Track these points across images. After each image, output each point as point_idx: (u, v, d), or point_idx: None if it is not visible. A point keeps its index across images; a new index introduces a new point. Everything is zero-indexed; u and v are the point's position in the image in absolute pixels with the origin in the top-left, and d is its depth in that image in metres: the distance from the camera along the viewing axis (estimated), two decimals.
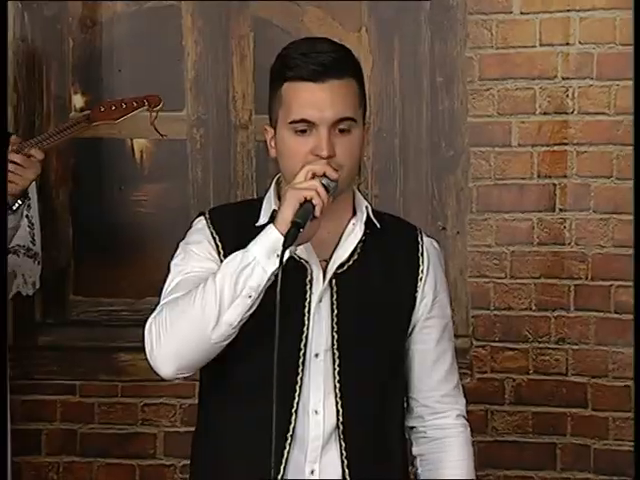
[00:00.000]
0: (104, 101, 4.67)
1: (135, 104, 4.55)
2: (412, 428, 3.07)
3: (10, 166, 4.27)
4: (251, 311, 2.74)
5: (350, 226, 2.95)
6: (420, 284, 3.00)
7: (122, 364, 5.02)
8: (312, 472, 2.87)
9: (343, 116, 2.83)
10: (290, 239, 2.68)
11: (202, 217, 3.00)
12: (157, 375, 2.86)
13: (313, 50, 2.88)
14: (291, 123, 2.83)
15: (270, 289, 2.71)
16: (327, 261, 2.91)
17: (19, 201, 4.33)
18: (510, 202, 4.90)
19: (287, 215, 2.70)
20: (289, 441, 2.85)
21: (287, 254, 2.68)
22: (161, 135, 4.63)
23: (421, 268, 3.00)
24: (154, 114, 4.63)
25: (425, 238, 3.05)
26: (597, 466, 4.81)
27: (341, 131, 2.83)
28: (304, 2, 5.04)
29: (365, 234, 2.95)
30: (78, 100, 5.13)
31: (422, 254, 3.02)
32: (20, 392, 4.93)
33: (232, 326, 2.74)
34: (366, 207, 2.98)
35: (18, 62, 5.13)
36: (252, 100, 5.04)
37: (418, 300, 2.99)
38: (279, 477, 2.83)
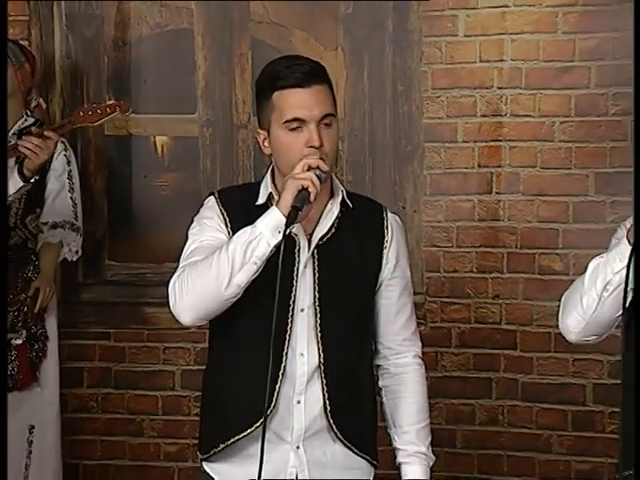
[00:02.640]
0: (83, 107, 4.62)
1: (109, 110, 4.49)
2: (378, 366, 3.06)
3: (32, 146, 4.27)
4: (256, 275, 2.76)
5: (329, 206, 2.94)
6: (385, 251, 3.00)
7: (147, 316, 5.01)
8: (298, 402, 2.88)
9: (327, 113, 2.83)
10: (291, 220, 2.71)
11: (212, 196, 3.00)
12: (178, 323, 2.90)
13: (295, 63, 2.88)
14: (285, 123, 2.82)
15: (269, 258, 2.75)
16: (311, 234, 2.91)
17: (36, 176, 4.36)
18: (456, 187, 4.87)
19: (288, 200, 2.71)
20: (280, 378, 2.85)
21: (287, 231, 2.74)
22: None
23: (386, 238, 3.00)
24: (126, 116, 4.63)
25: (389, 214, 3.06)
26: (524, 395, 4.81)
27: (326, 125, 2.83)
28: (292, 26, 4.99)
29: (341, 212, 2.94)
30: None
31: (387, 227, 3.02)
32: (66, 338, 4.91)
33: (240, 286, 2.76)
34: (341, 190, 2.97)
35: (64, 74, 5.10)
36: (250, 105, 4.97)
37: (383, 264, 2.99)
38: (272, 406, 2.84)
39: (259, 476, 2.71)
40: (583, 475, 4.78)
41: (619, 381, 4.47)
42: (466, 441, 4.89)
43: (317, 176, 2.75)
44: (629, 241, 2.62)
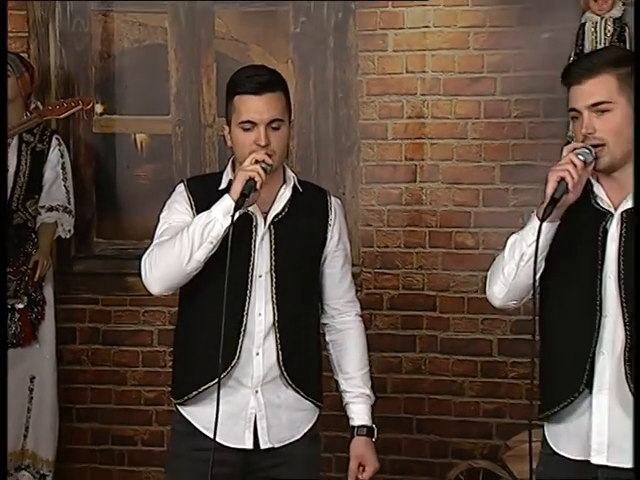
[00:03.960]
0: (52, 102, 4.72)
1: (73, 104, 4.58)
2: (325, 324, 3.09)
3: None
4: (212, 252, 2.77)
5: (282, 190, 2.95)
6: (330, 228, 3.02)
7: (129, 284, 4.95)
8: (257, 354, 2.89)
9: (274, 117, 2.84)
10: (239, 205, 2.73)
11: (182, 184, 3.01)
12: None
13: (255, 74, 2.90)
14: (240, 123, 2.85)
15: (227, 237, 2.76)
16: (267, 213, 2.92)
17: None
18: (387, 177, 4.87)
19: (237, 188, 2.74)
20: (242, 334, 2.86)
21: (237, 215, 2.73)
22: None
23: (330, 217, 3.03)
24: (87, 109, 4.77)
25: (332, 198, 3.08)
26: (442, 349, 4.85)
27: (274, 128, 2.84)
28: (250, 42, 4.98)
29: (292, 195, 2.96)
30: (99, 108, 5.08)
31: (330, 208, 3.04)
32: (61, 302, 4.92)
33: (199, 262, 2.79)
34: (293, 177, 2.99)
35: (58, 82, 5.06)
36: (215, 108, 4.98)
37: (328, 239, 3.02)
38: (235, 357, 2.85)
39: (216, 418, 2.73)
40: (489, 413, 4.80)
41: (520, 336, 4.60)
42: (395, 387, 4.87)
43: (263, 168, 2.75)
44: (539, 217, 2.56)
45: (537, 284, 2.67)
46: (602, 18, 4.41)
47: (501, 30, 4.73)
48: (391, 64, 4.84)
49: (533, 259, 2.57)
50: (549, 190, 2.55)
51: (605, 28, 4.40)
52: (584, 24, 4.47)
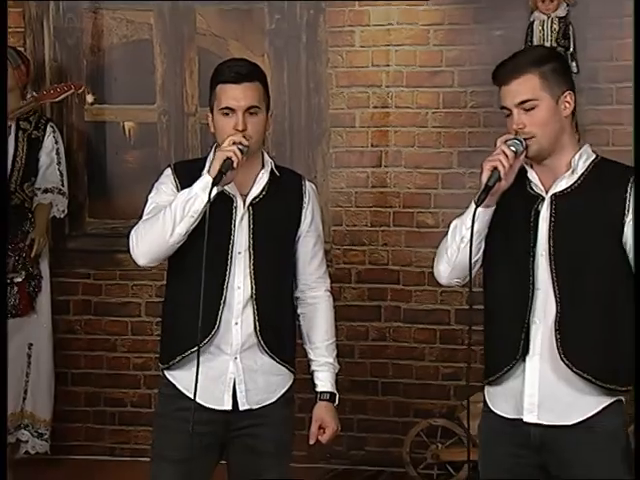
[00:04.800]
0: (47, 87, 4.74)
1: (66, 88, 4.61)
2: (297, 298, 3.06)
3: None
4: (194, 225, 2.77)
5: (260, 174, 2.94)
6: (304, 210, 3.01)
7: (119, 260, 4.94)
8: (236, 324, 2.89)
9: (251, 104, 2.84)
10: (217, 181, 2.74)
11: (169, 167, 3.01)
12: (138, 266, 2.95)
13: (235, 65, 2.92)
14: (220, 109, 2.86)
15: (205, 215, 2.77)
16: (246, 195, 2.92)
17: None
18: (355, 161, 4.89)
19: (216, 166, 2.75)
20: (222, 306, 2.87)
21: (215, 191, 2.74)
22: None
23: (304, 200, 3.01)
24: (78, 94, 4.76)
25: (307, 182, 3.07)
26: (405, 318, 4.86)
27: (251, 114, 2.84)
28: (229, 38, 4.98)
29: (270, 179, 2.95)
30: (89, 98, 5.07)
31: (305, 192, 3.02)
32: (56, 276, 4.91)
33: (181, 235, 2.79)
34: (270, 163, 2.98)
35: (52, 73, 5.04)
36: (197, 98, 4.98)
37: (302, 220, 3.01)
38: (215, 327, 2.85)
39: (196, 381, 2.75)
40: (448, 377, 4.82)
41: (475, 307, 4.71)
42: (362, 353, 4.89)
43: (240, 149, 2.75)
44: (475, 203, 2.60)
45: (481, 262, 2.72)
46: (548, 17, 4.48)
47: (458, 28, 4.76)
48: (358, 58, 4.86)
49: (473, 239, 2.62)
50: (483, 178, 2.60)
51: (551, 26, 4.47)
52: (533, 22, 4.53)
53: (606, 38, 4.56)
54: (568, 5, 4.49)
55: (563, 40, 4.40)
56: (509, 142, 2.62)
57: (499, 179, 2.59)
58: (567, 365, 2.62)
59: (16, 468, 4.62)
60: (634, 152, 2.50)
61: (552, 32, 4.44)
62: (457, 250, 2.69)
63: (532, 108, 2.63)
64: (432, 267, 4.76)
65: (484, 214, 2.65)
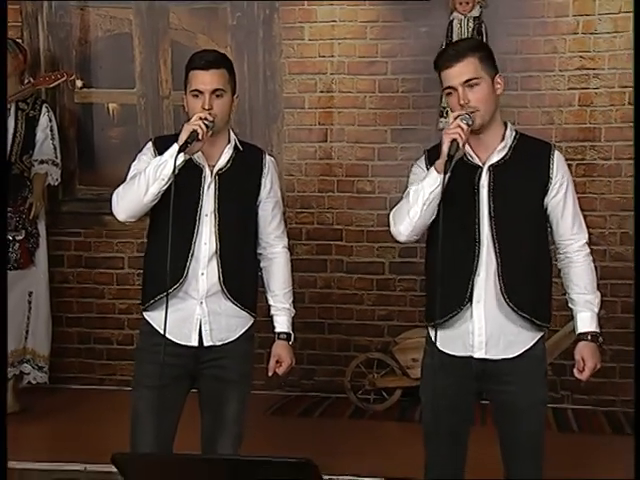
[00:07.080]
0: (42, 74, 4.68)
1: (59, 75, 4.55)
2: (260, 254, 3.01)
3: None
4: (165, 187, 2.73)
5: (226, 148, 2.90)
6: (263, 179, 2.95)
7: (105, 221, 4.88)
8: (202, 274, 2.85)
9: (217, 87, 2.80)
10: (182, 148, 2.70)
11: (150, 141, 2.96)
12: (125, 226, 2.93)
13: (205, 54, 2.88)
14: (191, 91, 2.82)
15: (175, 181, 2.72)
16: (213, 167, 2.87)
17: None
18: (304, 137, 4.86)
19: (183, 137, 2.71)
20: (190, 258, 2.84)
21: (181, 157, 2.72)
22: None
23: (264, 171, 2.95)
24: (71, 81, 4.66)
25: (267, 156, 3.00)
26: (347, 270, 4.85)
27: (217, 96, 2.80)
28: (197, 32, 4.93)
29: (234, 153, 2.91)
30: (79, 83, 4.92)
31: (265, 164, 2.96)
32: (52, 235, 4.84)
33: (154, 195, 2.76)
34: (234, 139, 2.93)
35: (46, 62, 5.00)
36: (170, 83, 4.93)
37: (262, 187, 2.95)
38: (184, 275, 2.81)
39: (165, 320, 2.73)
40: (382, 318, 4.84)
41: (405, 259, 4.64)
42: (311, 299, 4.88)
43: (205, 124, 2.72)
44: (438, 171, 2.56)
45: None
46: (465, 17, 4.50)
47: (391, 25, 4.75)
48: (307, 50, 4.84)
49: (433, 203, 2.59)
50: (445, 149, 2.57)
51: (467, 24, 4.48)
52: (452, 21, 4.53)
53: (512, 35, 4.60)
54: (481, 7, 4.52)
55: (477, 36, 4.38)
56: (461, 117, 2.59)
57: (458, 149, 2.56)
58: (512, 308, 2.65)
59: (20, 395, 4.60)
60: (634, 152, 2.42)
61: (468, 29, 4.46)
62: (419, 212, 2.63)
63: (476, 85, 2.62)
64: (369, 226, 4.87)
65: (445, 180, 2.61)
